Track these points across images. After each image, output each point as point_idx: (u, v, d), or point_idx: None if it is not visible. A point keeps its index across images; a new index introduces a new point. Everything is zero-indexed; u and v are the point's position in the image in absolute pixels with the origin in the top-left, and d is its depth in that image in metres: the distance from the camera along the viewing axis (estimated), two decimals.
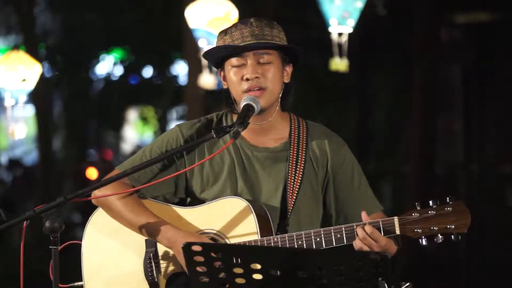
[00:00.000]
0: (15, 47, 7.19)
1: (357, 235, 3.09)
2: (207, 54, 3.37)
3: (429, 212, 3.05)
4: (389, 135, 13.84)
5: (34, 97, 11.58)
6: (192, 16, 6.52)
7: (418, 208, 3.07)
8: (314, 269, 2.71)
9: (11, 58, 6.88)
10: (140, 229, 3.34)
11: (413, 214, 3.06)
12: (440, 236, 3.04)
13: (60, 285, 3.33)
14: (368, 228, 3.07)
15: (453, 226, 3.03)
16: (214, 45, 3.35)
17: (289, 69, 3.34)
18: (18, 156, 16.98)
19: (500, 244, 10.41)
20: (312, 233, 3.16)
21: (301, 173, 3.33)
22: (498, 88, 11.34)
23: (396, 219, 3.09)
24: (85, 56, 14.95)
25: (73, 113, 15.99)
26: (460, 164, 11.71)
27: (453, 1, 11.20)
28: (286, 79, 3.34)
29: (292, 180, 3.32)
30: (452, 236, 3.04)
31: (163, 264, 3.36)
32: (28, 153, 16.66)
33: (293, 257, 2.74)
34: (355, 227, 3.11)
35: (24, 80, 6.78)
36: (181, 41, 9.26)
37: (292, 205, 3.30)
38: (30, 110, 12.90)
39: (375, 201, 3.37)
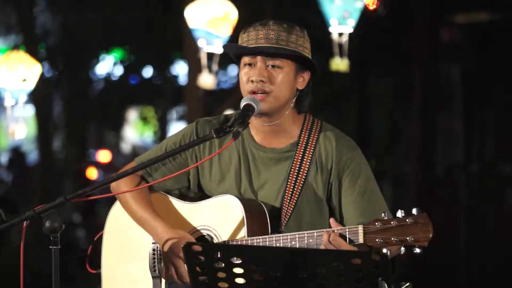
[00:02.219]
0: (15, 47, 7.18)
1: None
2: (225, 49, 3.44)
3: (391, 222, 2.99)
4: (389, 135, 13.83)
5: (34, 97, 11.57)
6: (192, 16, 6.52)
7: (384, 218, 3.02)
8: (314, 269, 2.71)
9: (11, 58, 6.87)
10: (139, 221, 3.42)
11: (376, 224, 3.02)
12: (402, 248, 2.98)
13: (90, 271, 3.55)
14: (331, 235, 3.06)
15: (412, 239, 2.95)
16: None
17: (306, 76, 3.33)
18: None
19: (500, 244, 10.41)
20: (289, 237, 3.16)
21: (304, 175, 3.31)
22: (498, 88, 11.33)
23: (360, 227, 3.05)
24: (85, 56, 14.94)
25: (73, 113, 15.98)
26: (460, 164, 11.70)
27: (453, 1, 11.19)
28: (300, 86, 3.33)
29: (293, 182, 3.31)
30: (415, 248, 2.96)
31: None
32: (28, 153, 16.65)
33: (293, 257, 2.74)
34: (324, 233, 3.10)
35: (24, 80, 6.77)
36: (181, 41, 9.25)
37: (292, 207, 3.30)
38: (30, 110, 12.90)
39: (380, 209, 3.26)
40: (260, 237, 3.21)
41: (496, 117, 11.40)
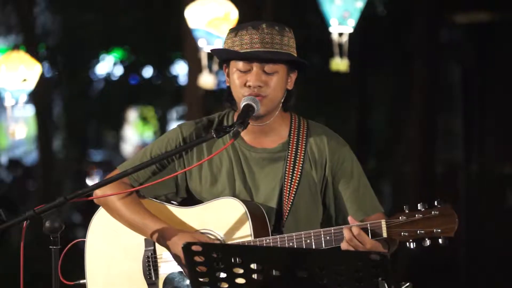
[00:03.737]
0: (15, 47, 7.17)
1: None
2: (215, 52, 3.40)
3: (416, 215, 3.03)
4: (389, 135, 13.84)
5: (34, 97, 11.58)
6: (192, 16, 6.52)
7: (406, 211, 3.05)
8: (314, 269, 2.71)
9: (11, 58, 6.86)
10: (137, 228, 3.36)
11: (400, 218, 3.05)
12: (427, 240, 3.02)
13: (66, 282, 3.40)
14: (355, 230, 3.07)
15: (439, 230, 3.01)
16: (222, 43, 3.36)
17: (293, 76, 3.32)
18: (18, 156, 16.97)
19: (500, 244, 10.41)
20: (303, 235, 3.16)
21: (299, 173, 3.32)
22: (498, 88, 11.34)
23: (383, 222, 3.08)
24: (85, 56, 14.95)
25: (73, 113, 15.99)
26: (460, 164, 11.71)
27: (453, 1, 11.20)
28: (290, 86, 3.31)
29: (290, 180, 3.31)
30: (440, 240, 3.02)
31: (161, 263, 3.37)
32: (28, 153, 16.65)
33: (293, 257, 2.74)
34: (344, 229, 3.10)
35: (24, 80, 6.77)
36: (181, 41, 9.25)
37: (289, 206, 3.29)
38: (30, 110, 12.90)
39: (374, 203, 3.34)
40: (271, 237, 3.20)
41: (496, 117, 11.40)
